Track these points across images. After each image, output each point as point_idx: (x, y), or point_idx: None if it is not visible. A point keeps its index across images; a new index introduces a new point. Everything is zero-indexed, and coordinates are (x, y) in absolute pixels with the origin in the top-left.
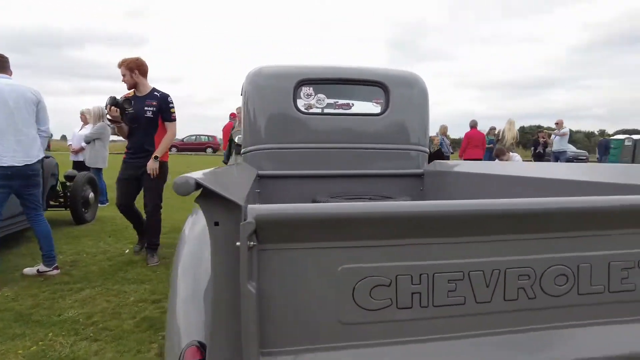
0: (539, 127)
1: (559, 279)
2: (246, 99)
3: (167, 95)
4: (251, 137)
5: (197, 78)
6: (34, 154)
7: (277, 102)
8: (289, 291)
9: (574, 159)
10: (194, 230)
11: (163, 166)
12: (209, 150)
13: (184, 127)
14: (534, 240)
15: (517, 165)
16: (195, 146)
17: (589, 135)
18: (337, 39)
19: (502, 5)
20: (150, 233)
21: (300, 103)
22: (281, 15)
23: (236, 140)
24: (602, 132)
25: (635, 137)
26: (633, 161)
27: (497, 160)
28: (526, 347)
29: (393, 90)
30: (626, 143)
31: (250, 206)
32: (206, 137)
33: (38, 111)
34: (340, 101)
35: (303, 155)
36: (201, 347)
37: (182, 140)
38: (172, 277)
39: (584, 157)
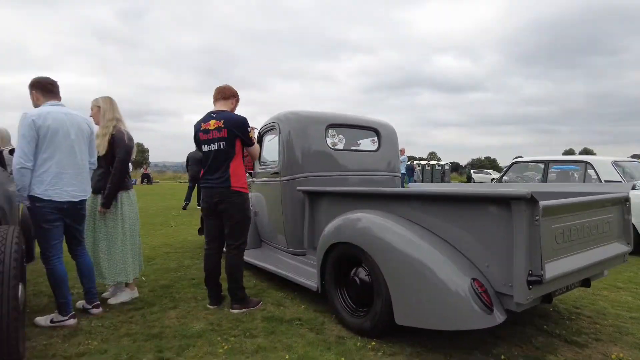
0: None
1: None
2: (285, 136)
3: None
4: (291, 166)
5: None
6: (87, 188)
7: (313, 140)
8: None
9: None
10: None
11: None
12: None
13: None
14: None
15: None
16: None
17: None
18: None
19: (300, 45)
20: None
21: (329, 141)
22: None
23: None
24: None
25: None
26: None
27: None
28: None
29: (382, 133)
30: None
31: (541, 202)
32: None
33: (90, 142)
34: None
35: (335, 180)
36: None
37: None
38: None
39: None
